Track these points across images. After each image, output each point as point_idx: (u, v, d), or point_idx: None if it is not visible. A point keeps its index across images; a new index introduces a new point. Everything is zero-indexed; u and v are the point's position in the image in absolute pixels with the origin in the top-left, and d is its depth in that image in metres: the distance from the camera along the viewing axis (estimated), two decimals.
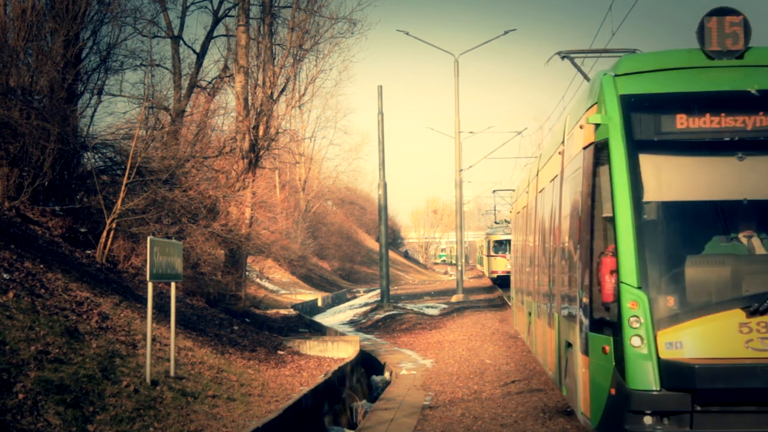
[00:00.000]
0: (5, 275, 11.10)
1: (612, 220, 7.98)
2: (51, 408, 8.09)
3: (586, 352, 8.53)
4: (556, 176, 11.35)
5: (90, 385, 9.11)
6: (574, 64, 13.99)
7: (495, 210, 60.57)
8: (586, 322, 8.51)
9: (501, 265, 45.38)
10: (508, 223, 49.20)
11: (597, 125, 8.33)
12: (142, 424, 8.95)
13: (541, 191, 13.86)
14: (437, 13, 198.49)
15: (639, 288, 7.74)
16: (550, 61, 15.16)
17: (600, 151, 8.29)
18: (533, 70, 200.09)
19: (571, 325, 9.57)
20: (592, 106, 8.71)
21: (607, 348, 7.91)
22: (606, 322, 8.05)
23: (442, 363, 17.24)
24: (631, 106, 8.21)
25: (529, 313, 15.97)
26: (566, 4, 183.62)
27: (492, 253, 47.17)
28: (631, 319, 7.68)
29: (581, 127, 9.00)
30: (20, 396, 7.92)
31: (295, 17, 24.34)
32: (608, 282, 7.90)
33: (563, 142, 10.89)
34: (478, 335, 21.57)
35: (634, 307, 7.69)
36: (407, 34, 37.40)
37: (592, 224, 8.38)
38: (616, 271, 7.85)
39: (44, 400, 8.15)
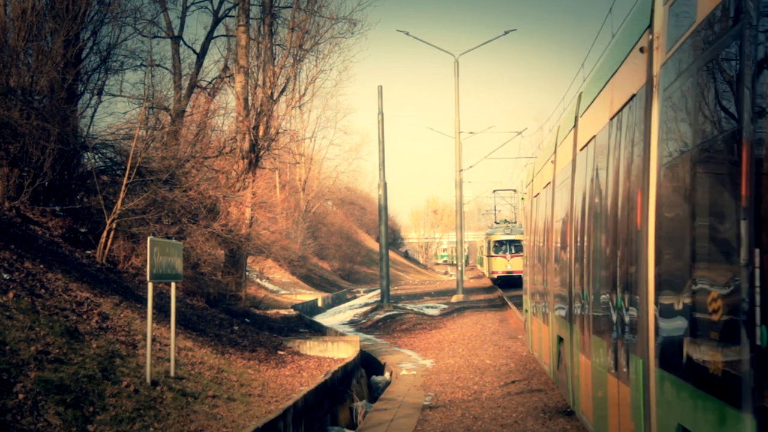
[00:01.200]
0: (5, 275, 11.10)
1: None
2: (51, 408, 8.09)
3: None
4: (628, 103, 6.87)
5: (90, 385, 9.10)
6: None
7: (495, 210, 60.61)
8: None
9: (501, 265, 45.49)
10: (509, 222, 49.33)
11: None
12: (142, 424, 8.95)
13: (584, 147, 9.23)
14: (437, 13, 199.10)
15: None
16: None
17: None
18: (533, 70, 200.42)
19: (700, 398, 4.69)
20: None
21: None
22: None
23: (442, 363, 17.24)
24: None
25: (560, 339, 11.33)
26: (566, 4, 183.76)
27: (492, 254, 47.17)
28: None
29: None
30: (20, 396, 7.92)
31: (295, 17, 24.40)
32: None
33: (650, 26, 6.22)
34: (478, 335, 21.58)
35: None
36: (407, 34, 37.46)
37: None
38: None
39: (44, 400, 8.14)
